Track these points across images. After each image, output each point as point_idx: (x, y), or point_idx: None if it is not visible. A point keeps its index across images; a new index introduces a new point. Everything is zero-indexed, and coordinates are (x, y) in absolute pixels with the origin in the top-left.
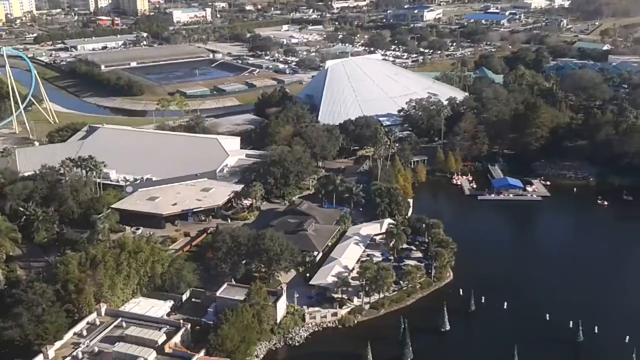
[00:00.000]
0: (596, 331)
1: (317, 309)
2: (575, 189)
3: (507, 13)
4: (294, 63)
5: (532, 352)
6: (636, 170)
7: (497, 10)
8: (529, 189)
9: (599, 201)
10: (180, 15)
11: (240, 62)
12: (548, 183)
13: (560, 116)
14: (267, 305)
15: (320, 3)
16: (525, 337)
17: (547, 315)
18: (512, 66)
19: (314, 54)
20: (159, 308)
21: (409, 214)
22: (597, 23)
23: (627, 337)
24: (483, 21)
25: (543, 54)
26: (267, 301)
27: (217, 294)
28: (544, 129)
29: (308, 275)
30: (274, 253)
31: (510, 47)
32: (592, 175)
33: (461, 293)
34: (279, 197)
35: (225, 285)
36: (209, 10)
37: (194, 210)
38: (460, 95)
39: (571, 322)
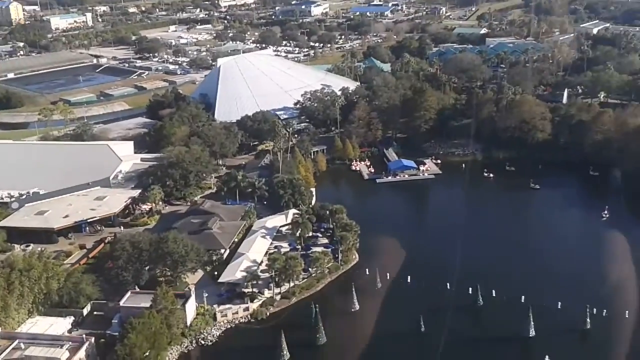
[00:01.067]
0: (494, 294)
1: (228, 306)
2: (464, 165)
3: (390, 4)
4: (185, 63)
5: (437, 320)
6: (516, 143)
7: (381, 3)
8: (422, 168)
9: (485, 174)
10: (59, 22)
11: (127, 65)
12: (439, 161)
13: (445, 98)
14: (175, 309)
15: (207, 2)
16: (430, 307)
17: (448, 284)
18: (398, 55)
19: (205, 53)
20: (58, 325)
21: (313, 202)
22: (473, 9)
23: (523, 297)
24: (368, 13)
25: (426, 42)
26: (175, 304)
27: (121, 303)
28: (431, 111)
29: (216, 273)
30: (179, 255)
31: (395, 37)
32: (478, 151)
33: (367, 273)
34: (180, 198)
35: (129, 294)
36: (89, 15)
37: (89, 220)
38: (352, 85)
39: (470, 289)
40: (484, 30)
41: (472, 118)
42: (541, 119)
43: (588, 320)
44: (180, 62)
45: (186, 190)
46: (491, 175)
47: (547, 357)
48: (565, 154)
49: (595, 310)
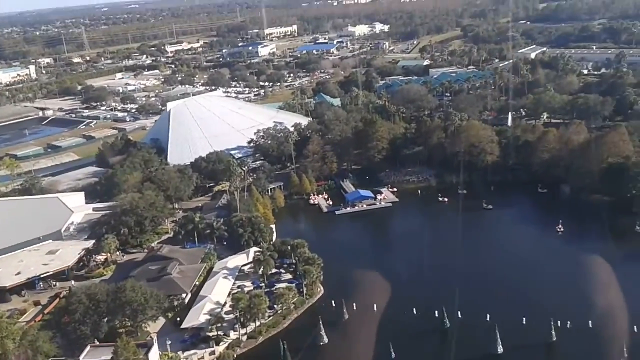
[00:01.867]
0: (460, 316)
1: (193, 351)
2: (419, 191)
3: (335, 42)
4: (133, 110)
5: (406, 345)
6: (467, 166)
7: (326, 40)
8: (379, 197)
9: (439, 199)
10: (2, 76)
11: (74, 115)
12: (395, 190)
13: (395, 128)
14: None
15: (153, 48)
16: (398, 334)
17: (414, 309)
18: (347, 89)
19: (153, 98)
20: None
21: (274, 239)
22: (415, 42)
23: (488, 316)
24: (314, 51)
25: (372, 75)
26: (138, 355)
27: (81, 358)
28: (383, 141)
29: (179, 319)
30: (138, 303)
31: (342, 72)
32: (432, 177)
33: (333, 304)
34: (137, 245)
35: (88, 348)
36: (32, 67)
37: (42, 276)
38: (304, 120)
39: (436, 312)
40: (426, 62)
41: (423, 145)
42: (489, 142)
43: (553, 332)
44: (128, 109)
45: (142, 237)
46: (445, 199)
47: None
48: (514, 174)
49: (559, 322)
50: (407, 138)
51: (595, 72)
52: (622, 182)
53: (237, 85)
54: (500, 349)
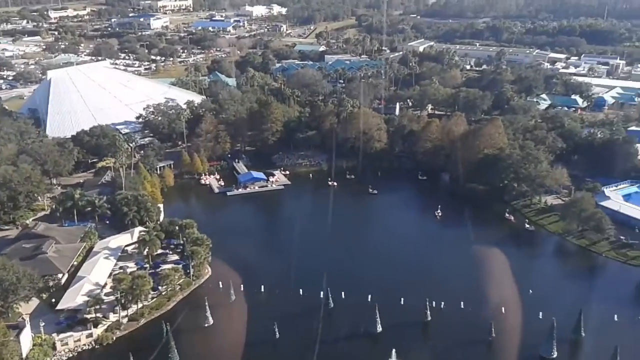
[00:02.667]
0: (343, 296)
1: (69, 333)
2: (311, 175)
3: (232, 20)
4: (10, 77)
5: (291, 325)
6: (355, 152)
7: (222, 18)
8: (271, 179)
9: (329, 183)
10: None
11: None
12: (287, 172)
13: (290, 111)
14: (8, 341)
15: (34, 13)
16: (284, 314)
17: (300, 290)
18: (243, 69)
19: (33, 66)
20: None
21: (161, 219)
22: (312, 27)
23: (369, 297)
24: (210, 28)
25: (269, 57)
26: (8, 336)
27: None
28: (277, 124)
29: (54, 300)
30: (9, 283)
31: (238, 52)
32: (323, 161)
33: (221, 286)
34: (9, 222)
35: None
36: None
37: None
38: (197, 98)
39: (321, 293)
40: (322, 48)
41: (317, 130)
42: (378, 130)
43: (428, 312)
44: (5, 77)
45: (15, 214)
46: (335, 183)
47: (393, 350)
48: (400, 161)
49: (434, 303)
50: (302, 122)
51: (477, 68)
52: (496, 172)
53: (127, 57)
54: (379, 328)
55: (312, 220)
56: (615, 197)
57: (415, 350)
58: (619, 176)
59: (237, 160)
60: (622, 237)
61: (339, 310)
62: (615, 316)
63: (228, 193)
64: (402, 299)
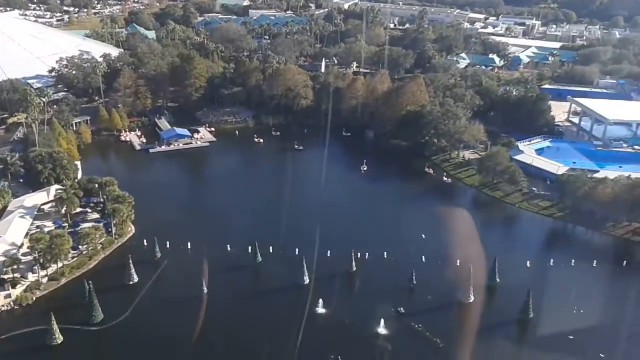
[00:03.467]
0: (271, 251)
1: None
2: (237, 132)
3: None
4: None
5: (219, 281)
6: (282, 109)
7: None
8: (196, 136)
9: (255, 139)
10: None
11: None
12: (213, 129)
13: (214, 67)
14: None
15: None
16: (212, 270)
17: (228, 246)
18: (163, 22)
19: None
20: None
21: (79, 176)
22: None
23: (297, 250)
24: None
25: (190, 10)
26: None
27: None
28: (201, 79)
29: None
30: None
31: (157, 4)
32: (249, 118)
33: (145, 244)
34: None
35: None
36: None
37: None
38: (114, 51)
39: (249, 248)
40: (246, 2)
41: (242, 86)
42: (304, 87)
43: (354, 263)
44: None
45: None
46: (261, 140)
47: (320, 299)
48: (326, 118)
49: (359, 254)
50: (226, 78)
51: (401, 27)
52: (417, 128)
53: (37, 8)
54: (306, 280)
55: (238, 177)
56: (529, 152)
57: (341, 299)
58: (532, 132)
59: (159, 117)
60: (534, 189)
61: (266, 264)
62: (528, 262)
63: (150, 150)
64: (329, 251)
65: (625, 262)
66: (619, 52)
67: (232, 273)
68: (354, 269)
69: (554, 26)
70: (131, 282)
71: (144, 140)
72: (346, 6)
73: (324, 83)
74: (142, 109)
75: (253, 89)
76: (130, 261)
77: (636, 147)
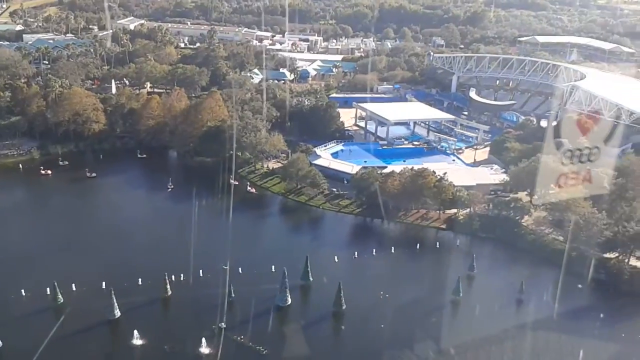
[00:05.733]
0: (74, 288)
1: None
2: (20, 166)
3: None
4: None
5: (14, 330)
6: (72, 136)
7: None
8: None
9: (42, 171)
10: None
11: None
12: None
13: None
14: None
15: None
16: (6, 319)
17: (22, 291)
18: None
19: None
20: None
21: None
22: (4, 6)
23: (104, 283)
24: None
25: None
26: None
27: None
28: None
29: None
30: None
31: None
32: (34, 149)
33: None
34: None
35: None
36: None
37: None
38: None
39: (48, 289)
40: (19, 27)
41: (22, 115)
42: (94, 110)
43: (168, 287)
44: None
45: None
46: (48, 171)
47: (135, 331)
48: (122, 141)
49: (173, 277)
50: (2, 108)
51: (192, 46)
52: (220, 143)
53: None
54: (117, 313)
55: (24, 216)
56: (326, 156)
57: (157, 326)
58: (326, 137)
59: None
60: (334, 190)
61: (70, 303)
62: (336, 257)
63: None
64: (140, 279)
65: (418, 245)
66: (392, 59)
67: (29, 320)
68: (169, 292)
69: (334, 41)
70: None
71: None
72: (132, 27)
73: (116, 105)
74: None
75: (35, 117)
76: None
77: (415, 142)
